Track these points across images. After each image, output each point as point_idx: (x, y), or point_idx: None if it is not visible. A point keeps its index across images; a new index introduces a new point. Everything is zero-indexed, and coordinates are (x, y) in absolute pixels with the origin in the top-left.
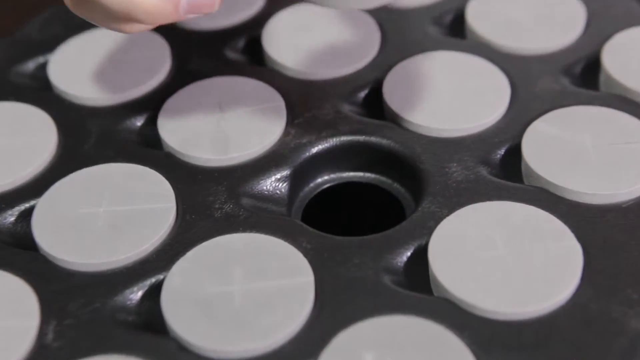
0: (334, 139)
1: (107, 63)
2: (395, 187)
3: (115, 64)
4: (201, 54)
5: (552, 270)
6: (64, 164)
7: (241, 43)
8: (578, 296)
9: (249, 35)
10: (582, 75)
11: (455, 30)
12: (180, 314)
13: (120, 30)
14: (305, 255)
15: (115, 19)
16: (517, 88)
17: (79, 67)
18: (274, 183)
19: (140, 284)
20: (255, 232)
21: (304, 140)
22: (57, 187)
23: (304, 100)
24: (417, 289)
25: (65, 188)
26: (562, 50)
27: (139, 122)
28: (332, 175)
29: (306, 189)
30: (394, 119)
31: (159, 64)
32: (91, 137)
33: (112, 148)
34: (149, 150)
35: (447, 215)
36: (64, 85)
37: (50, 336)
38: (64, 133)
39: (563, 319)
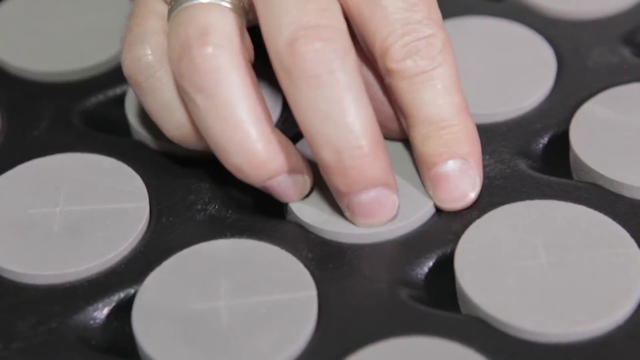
0: None
1: (62, 28)
2: None
3: (72, 29)
4: None
5: (607, 282)
6: (8, 154)
7: None
8: (639, 314)
9: None
10: None
11: None
12: (155, 335)
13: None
14: (307, 265)
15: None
16: (564, 62)
17: (24, 34)
18: None
19: (106, 300)
20: (246, 238)
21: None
22: (0, 182)
23: None
24: (440, 306)
25: (11, 183)
26: (621, 13)
27: (102, 102)
28: None
29: None
30: None
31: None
32: (42, 120)
33: (69, 134)
34: (114, 137)
35: (477, 217)
36: (7, 56)
37: None
38: (7, 115)
39: (621, 341)
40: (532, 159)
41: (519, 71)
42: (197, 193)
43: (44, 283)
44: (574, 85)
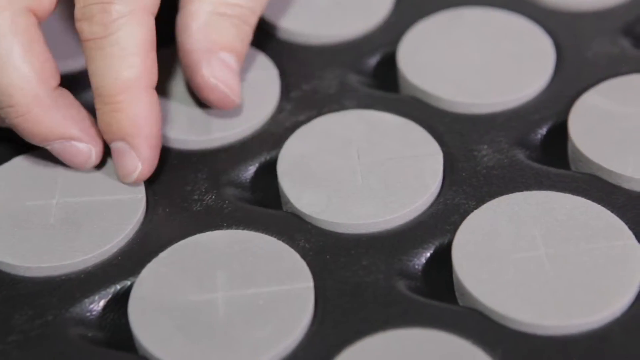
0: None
1: (58, 19)
2: None
3: (70, 22)
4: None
5: (605, 275)
6: (5, 145)
7: None
8: (637, 307)
9: None
10: None
11: None
12: (151, 327)
13: None
14: (304, 256)
15: None
16: (563, 52)
17: None
18: (264, 169)
19: (103, 292)
20: (243, 229)
21: (302, 118)
22: None
23: (302, 69)
24: (438, 297)
25: (7, 176)
26: (621, 5)
27: None
28: None
29: None
30: (411, 92)
31: None
32: None
33: None
34: None
35: (475, 207)
36: None
37: None
38: None
39: (618, 333)
40: (531, 149)
41: (518, 62)
42: (194, 184)
43: (40, 275)
44: (573, 76)
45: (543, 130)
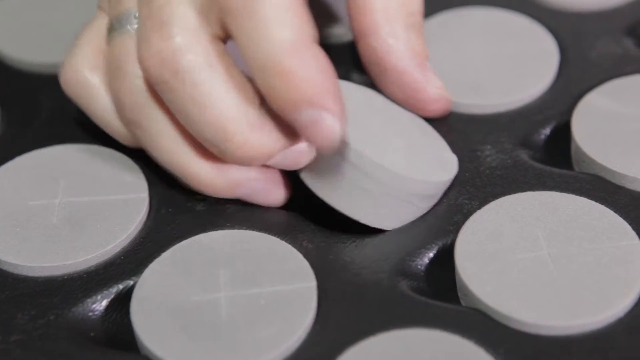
0: None
1: (61, 19)
2: None
3: (72, 20)
4: None
5: (608, 275)
6: (7, 145)
7: None
8: None
9: None
10: None
11: None
12: (154, 327)
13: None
14: (306, 256)
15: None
16: (567, 52)
17: (24, 25)
18: None
19: (105, 292)
20: (245, 229)
21: None
22: None
23: None
24: (440, 297)
25: (10, 175)
26: (625, 5)
27: None
28: None
29: None
30: None
31: None
32: (41, 112)
33: (68, 126)
34: None
35: (478, 208)
36: (7, 48)
37: None
38: (7, 107)
39: (621, 334)
40: (534, 149)
41: (521, 62)
42: None
43: (42, 275)
44: (577, 77)
45: (546, 131)
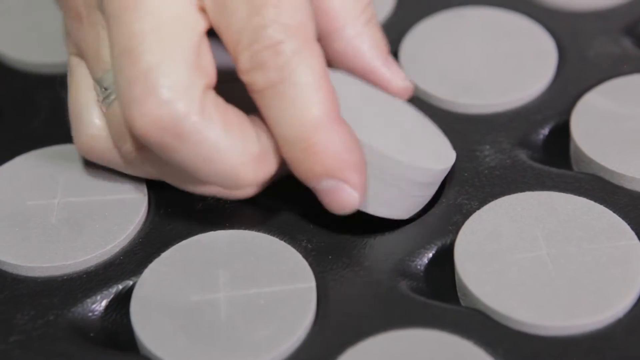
0: None
1: (60, 20)
2: None
3: None
4: None
5: (607, 275)
6: (6, 145)
7: None
8: (639, 307)
9: None
10: None
11: None
12: (154, 327)
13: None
14: (306, 256)
15: (195, 182)
16: (566, 52)
17: (22, 25)
18: None
19: (105, 292)
20: (245, 229)
21: None
22: None
23: None
24: (440, 298)
25: (9, 175)
26: (623, 4)
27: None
28: None
29: None
30: (413, 92)
31: None
32: (40, 112)
33: (67, 126)
34: None
35: (478, 208)
36: (5, 48)
37: None
38: (5, 107)
39: (620, 334)
40: (533, 149)
41: (520, 62)
42: None
43: (42, 275)
44: (575, 76)
45: (545, 131)
